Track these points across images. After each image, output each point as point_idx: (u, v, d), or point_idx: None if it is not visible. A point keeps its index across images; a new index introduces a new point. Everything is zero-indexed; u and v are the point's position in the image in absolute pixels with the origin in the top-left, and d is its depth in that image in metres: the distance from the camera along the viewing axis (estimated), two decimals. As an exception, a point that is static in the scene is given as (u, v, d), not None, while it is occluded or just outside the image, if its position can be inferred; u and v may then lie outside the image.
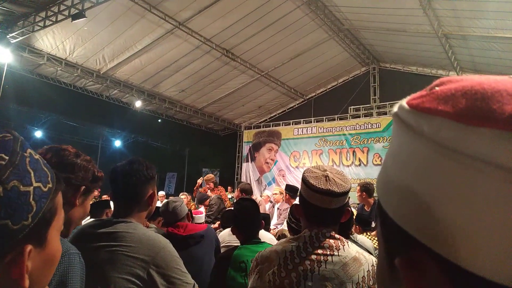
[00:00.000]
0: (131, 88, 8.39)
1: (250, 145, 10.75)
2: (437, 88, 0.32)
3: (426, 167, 0.30)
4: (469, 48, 6.72)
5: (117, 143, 11.33)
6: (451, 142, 0.28)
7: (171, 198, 2.73)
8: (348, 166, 8.89)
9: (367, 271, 1.23)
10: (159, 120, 10.45)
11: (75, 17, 5.44)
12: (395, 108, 0.35)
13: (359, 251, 1.26)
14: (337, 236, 1.25)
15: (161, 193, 7.68)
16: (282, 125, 10.28)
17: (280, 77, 9.21)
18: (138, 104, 8.85)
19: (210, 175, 5.84)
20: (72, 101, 8.84)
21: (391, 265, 0.35)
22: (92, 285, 1.22)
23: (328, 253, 1.21)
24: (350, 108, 9.13)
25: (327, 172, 1.24)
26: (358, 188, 4.03)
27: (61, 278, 0.99)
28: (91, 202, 1.25)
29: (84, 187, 1.13)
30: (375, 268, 1.25)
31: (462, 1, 5.39)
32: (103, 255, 1.28)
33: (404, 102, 0.34)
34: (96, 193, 5.87)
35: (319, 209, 1.23)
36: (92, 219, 1.79)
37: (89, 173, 1.15)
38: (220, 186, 5.93)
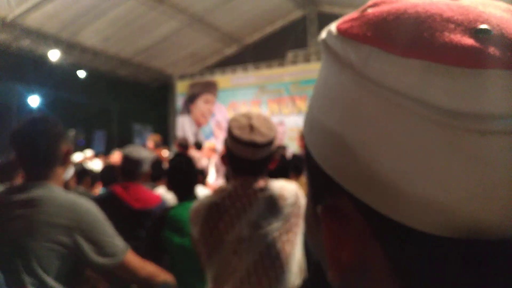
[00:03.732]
0: (46, 37, 7.75)
1: (185, 98, 10.55)
2: (369, 10, 0.29)
3: (350, 103, 0.27)
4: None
5: (35, 102, 10.60)
6: (378, 74, 0.25)
7: (134, 146, 2.37)
8: (287, 115, 9.04)
9: (292, 203, 1.30)
10: (82, 74, 9.86)
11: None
12: (323, 34, 0.32)
13: (282, 186, 1.32)
14: (259, 182, 1.30)
15: (90, 152, 7.39)
16: (219, 75, 10.13)
17: (213, 22, 8.95)
18: (56, 56, 8.25)
19: (155, 135, 5.69)
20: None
21: (315, 210, 0.34)
22: (10, 260, 1.16)
23: (252, 198, 1.26)
24: (289, 55, 9.14)
25: (253, 121, 1.25)
26: (299, 135, 4.08)
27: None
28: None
29: None
30: (298, 194, 1.32)
31: None
32: (20, 224, 1.22)
33: (333, 26, 0.31)
34: None
35: (243, 160, 1.25)
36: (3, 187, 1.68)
37: None
38: (165, 149, 5.79)
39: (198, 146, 6.23)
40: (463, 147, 0.23)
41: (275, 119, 8.48)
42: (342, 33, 0.29)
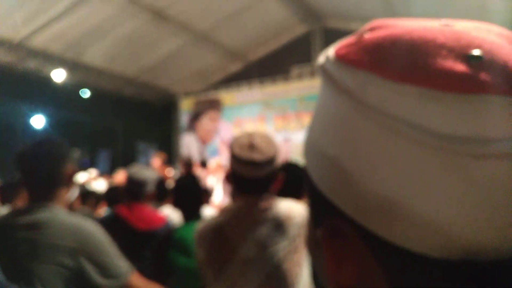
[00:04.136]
0: (51, 58, 7.86)
1: (191, 115, 10.59)
2: (366, 36, 0.30)
3: (347, 128, 0.28)
4: (409, 4, 6.95)
5: (40, 122, 10.73)
6: (374, 100, 0.26)
7: (138, 166, 2.36)
8: (293, 131, 9.01)
9: (299, 223, 1.30)
10: (87, 93, 9.96)
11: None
12: (321, 58, 0.33)
13: (290, 206, 1.32)
14: (265, 201, 1.31)
15: (95, 172, 7.42)
16: (223, 92, 10.17)
17: (216, 39, 9.03)
18: (61, 76, 8.35)
19: (161, 154, 5.76)
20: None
21: (315, 233, 0.34)
22: (14, 282, 1.17)
23: (258, 219, 1.26)
24: (294, 70, 9.16)
25: (253, 139, 1.27)
26: None
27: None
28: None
29: None
30: (306, 215, 1.31)
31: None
32: (24, 247, 1.23)
33: (331, 51, 0.32)
34: None
35: (245, 179, 1.27)
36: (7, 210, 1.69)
37: None
38: (170, 167, 5.84)
39: (203, 164, 6.24)
40: (459, 171, 0.24)
41: (281, 136, 8.46)
42: (339, 58, 0.30)
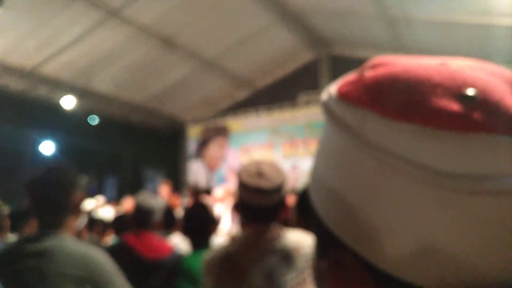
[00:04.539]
0: (62, 85, 8.00)
1: (198, 142, 10.63)
2: (366, 74, 0.31)
3: (348, 164, 0.30)
4: (414, 32, 7.01)
5: (49, 149, 10.83)
6: (373, 137, 0.27)
7: (145, 194, 2.33)
8: (301, 158, 8.99)
9: (307, 254, 1.29)
10: (95, 120, 10.07)
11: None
12: (324, 96, 0.34)
13: (298, 237, 1.32)
14: (273, 231, 1.31)
15: (102, 199, 7.43)
16: (231, 118, 10.22)
17: (224, 66, 9.14)
18: (70, 103, 8.47)
19: (168, 181, 5.79)
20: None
21: (321, 265, 0.35)
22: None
23: (266, 248, 1.26)
24: (301, 97, 9.22)
25: (261, 167, 1.28)
26: None
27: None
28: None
29: None
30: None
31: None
32: (31, 276, 1.23)
33: (333, 89, 0.33)
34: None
35: (253, 207, 1.27)
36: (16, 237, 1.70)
37: None
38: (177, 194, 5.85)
39: (208, 192, 6.24)
40: (456, 206, 0.25)
41: (288, 163, 8.44)
42: (341, 96, 0.31)
